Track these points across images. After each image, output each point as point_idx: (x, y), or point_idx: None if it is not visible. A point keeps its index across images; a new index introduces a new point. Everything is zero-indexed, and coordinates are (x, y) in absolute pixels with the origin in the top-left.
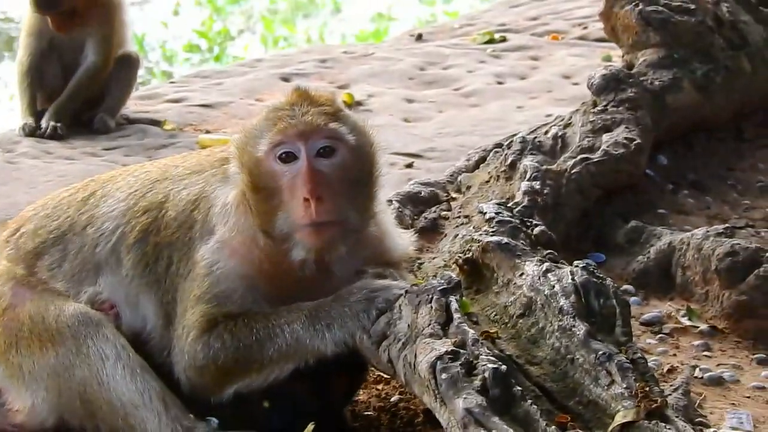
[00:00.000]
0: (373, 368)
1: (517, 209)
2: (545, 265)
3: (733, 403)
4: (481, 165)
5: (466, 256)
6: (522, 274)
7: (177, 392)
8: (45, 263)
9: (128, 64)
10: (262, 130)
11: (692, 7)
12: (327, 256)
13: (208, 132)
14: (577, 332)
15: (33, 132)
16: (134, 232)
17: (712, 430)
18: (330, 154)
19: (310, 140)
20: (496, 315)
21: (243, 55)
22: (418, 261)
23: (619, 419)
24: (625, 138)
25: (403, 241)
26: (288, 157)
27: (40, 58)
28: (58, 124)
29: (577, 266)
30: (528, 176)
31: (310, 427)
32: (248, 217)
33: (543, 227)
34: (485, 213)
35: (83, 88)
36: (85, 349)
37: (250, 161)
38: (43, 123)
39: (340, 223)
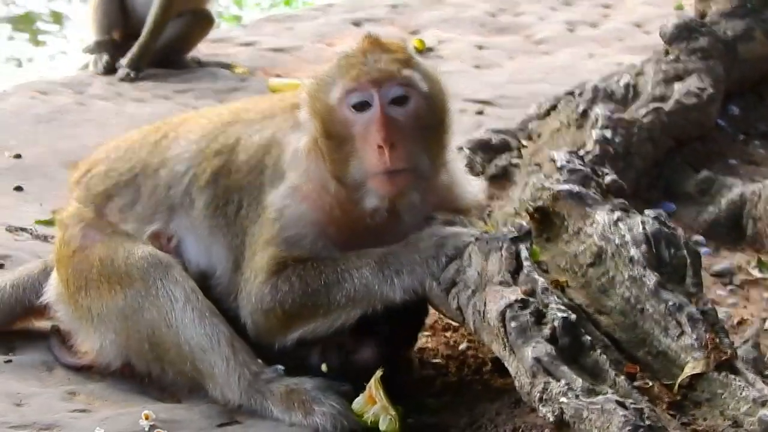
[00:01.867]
0: (441, 315)
1: (588, 158)
2: (616, 214)
3: None
4: (552, 113)
5: (537, 204)
6: (593, 222)
7: (244, 338)
8: (116, 205)
9: (201, 22)
10: (334, 77)
11: None
12: (399, 203)
13: (278, 76)
14: (648, 282)
15: (110, 69)
16: (205, 174)
17: None
18: (403, 101)
19: (384, 88)
20: (566, 264)
21: (313, 0)
22: (489, 209)
23: (688, 370)
24: (697, 87)
25: (473, 188)
26: (361, 105)
27: None
28: (138, 73)
29: (647, 216)
30: (599, 125)
31: (378, 373)
32: (319, 164)
33: (614, 176)
34: (556, 161)
35: (158, 24)
36: (154, 291)
37: (323, 108)
38: (121, 69)
39: (412, 171)
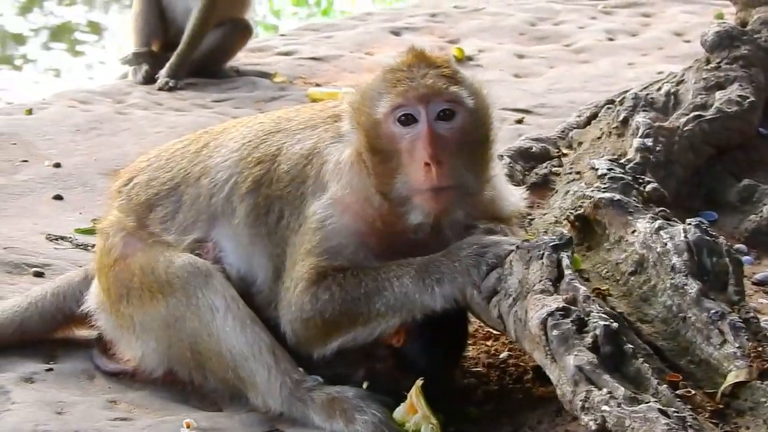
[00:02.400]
0: (482, 324)
1: (629, 166)
2: (657, 223)
3: None
4: (593, 121)
5: (578, 212)
6: (634, 231)
7: (284, 347)
8: (157, 215)
9: (240, 32)
10: (380, 91)
11: None
12: (443, 219)
13: (318, 85)
14: (690, 290)
15: (149, 79)
16: (246, 182)
17: None
18: (449, 117)
19: (431, 103)
20: (607, 272)
21: (350, 9)
22: (529, 217)
23: (731, 379)
24: (738, 96)
25: (515, 197)
26: (408, 120)
27: (150, 2)
28: (177, 82)
29: (689, 224)
30: (640, 133)
31: (419, 383)
32: (362, 176)
33: (655, 184)
34: (597, 169)
35: (197, 34)
36: (195, 300)
37: (368, 122)
38: (161, 79)
39: (458, 188)
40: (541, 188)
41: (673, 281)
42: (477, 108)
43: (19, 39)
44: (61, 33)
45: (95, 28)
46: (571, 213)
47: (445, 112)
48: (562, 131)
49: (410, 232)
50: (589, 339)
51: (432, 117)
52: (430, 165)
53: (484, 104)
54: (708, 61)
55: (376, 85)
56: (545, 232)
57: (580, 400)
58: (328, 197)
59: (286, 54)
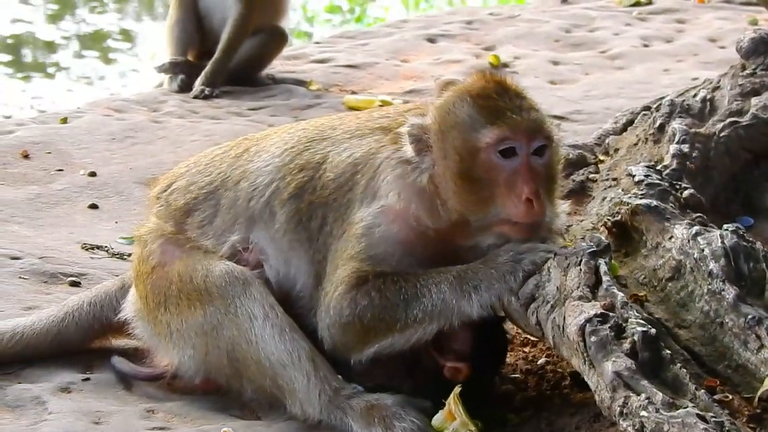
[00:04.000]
0: (520, 331)
1: (666, 172)
2: (695, 229)
3: None
4: (629, 128)
5: (615, 218)
6: (671, 237)
7: (323, 355)
8: (195, 220)
9: (276, 39)
10: (479, 119)
11: None
12: None
13: (353, 93)
14: (727, 296)
15: (185, 88)
16: (289, 188)
17: None
18: (542, 152)
19: (533, 140)
20: (644, 278)
21: (383, 17)
22: (567, 223)
23: None
24: None
25: (563, 212)
26: (509, 153)
27: (188, 11)
28: (213, 90)
29: (726, 230)
30: (677, 139)
31: (457, 389)
32: (430, 195)
33: (692, 190)
34: (634, 175)
35: (234, 42)
36: (233, 308)
37: (464, 149)
38: (197, 87)
39: (543, 221)
40: (578, 195)
41: (710, 287)
42: (557, 143)
43: (51, 47)
44: (93, 41)
45: (127, 36)
46: (608, 219)
47: (539, 148)
48: (599, 138)
49: (466, 245)
50: (627, 345)
51: (531, 151)
52: (532, 201)
53: (557, 138)
54: (743, 68)
55: (469, 111)
56: (582, 238)
57: (619, 406)
58: (379, 205)
59: (322, 62)
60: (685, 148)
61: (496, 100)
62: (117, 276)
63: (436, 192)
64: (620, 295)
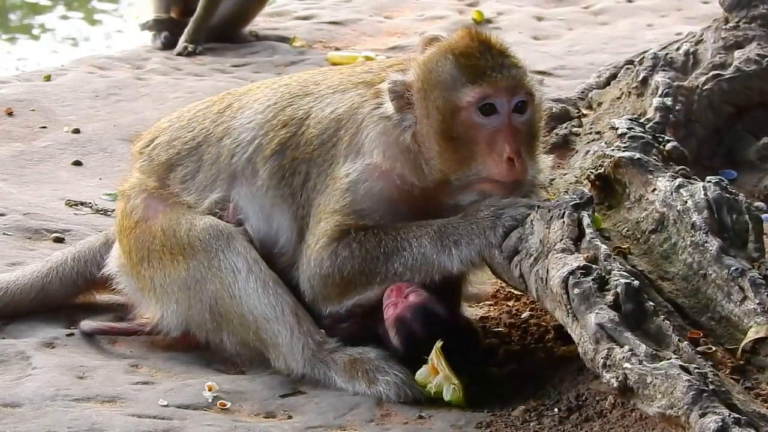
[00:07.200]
0: (503, 284)
1: (648, 125)
2: (677, 181)
3: None
4: (612, 82)
5: (598, 171)
6: (654, 189)
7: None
8: (178, 175)
9: None
10: (460, 78)
11: None
12: None
13: (337, 49)
14: (710, 248)
15: (169, 45)
16: (272, 144)
17: None
18: (524, 109)
19: (514, 97)
20: (627, 230)
21: None
22: (550, 177)
23: (751, 335)
24: (757, 55)
25: (546, 167)
26: (489, 110)
27: None
28: (196, 47)
29: (709, 182)
30: (660, 92)
31: (438, 344)
32: (415, 153)
33: (675, 143)
34: (617, 128)
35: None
36: (216, 262)
37: (445, 107)
38: (180, 44)
39: (526, 179)
40: (562, 148)
41: (693, 239)
42: (539, 99)
43: (36, 8)
44: (77, 1)
45: None
46: (591, 172)
47: (519, 105)
48: (582, 92)
49: (450, 202)
50: (610, 297)
51: (511, 109)
52: (513, 160)
53: (539, 94)
54: (726, 21)
55: (451, 70)
56: (566, 191)
57: (602, 358)
58: (365, 162)
59: (305, 18)
60: (668, 101)
61: (478, 59)
62: (101, 231)
63: (419, 151)
64: (603, 247)
